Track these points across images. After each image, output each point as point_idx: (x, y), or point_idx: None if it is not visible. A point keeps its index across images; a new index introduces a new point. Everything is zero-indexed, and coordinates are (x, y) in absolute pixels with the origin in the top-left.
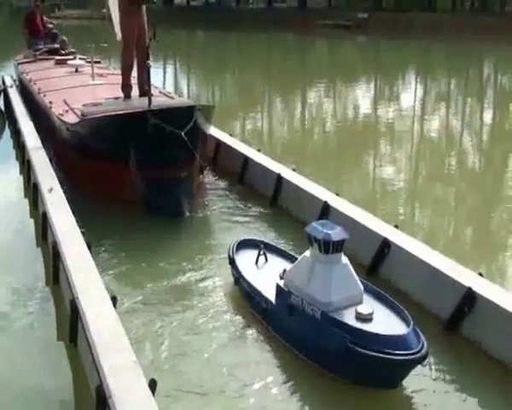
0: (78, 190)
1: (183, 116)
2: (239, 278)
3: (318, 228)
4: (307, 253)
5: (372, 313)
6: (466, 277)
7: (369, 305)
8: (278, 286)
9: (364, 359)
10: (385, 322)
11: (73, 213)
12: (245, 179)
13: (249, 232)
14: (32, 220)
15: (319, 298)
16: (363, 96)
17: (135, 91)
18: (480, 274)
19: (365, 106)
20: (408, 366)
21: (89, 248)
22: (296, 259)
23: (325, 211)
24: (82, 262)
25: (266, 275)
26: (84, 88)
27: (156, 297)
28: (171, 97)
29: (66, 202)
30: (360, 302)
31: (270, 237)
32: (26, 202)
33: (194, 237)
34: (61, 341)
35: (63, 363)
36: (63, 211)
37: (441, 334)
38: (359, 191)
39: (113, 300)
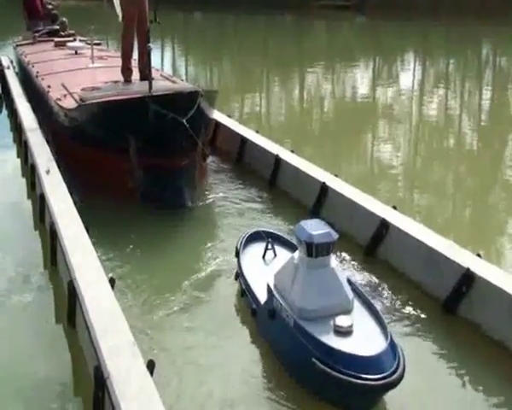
0: (77, 179)
1: (185, 102)
2: (238, 273)
3: (304, 228)
4: (296, 253)
5: (351, 326)
6: (464, 257)
7: (351, 317)
8: (268, 286)
9: (328, 378)
10: (363, 338)
11: (71, 194)
12: (243, 161)
13: (248, 217)
14: (29, 202)
15: (296, 304)
16: (361, 78)
17: (135, 75)
18: (479, 255)
19: (364, 87)
20: (376, 391)
21: (87, 231)
22: None
23: (323, 192)
24: (79, 244)
25: (270, 271)
26: (83, 71)
27: (155, 287)
28: (173, 81)
29: (63, 183)
30: (346, 311)
31: (268, 219)
32: (23, 183)
33: (196, 227)
34: (60, 322)
35: (61, 344)
36: (61, 192)
37: (439, 315)
38: (358, 173)
39: (111, 281)
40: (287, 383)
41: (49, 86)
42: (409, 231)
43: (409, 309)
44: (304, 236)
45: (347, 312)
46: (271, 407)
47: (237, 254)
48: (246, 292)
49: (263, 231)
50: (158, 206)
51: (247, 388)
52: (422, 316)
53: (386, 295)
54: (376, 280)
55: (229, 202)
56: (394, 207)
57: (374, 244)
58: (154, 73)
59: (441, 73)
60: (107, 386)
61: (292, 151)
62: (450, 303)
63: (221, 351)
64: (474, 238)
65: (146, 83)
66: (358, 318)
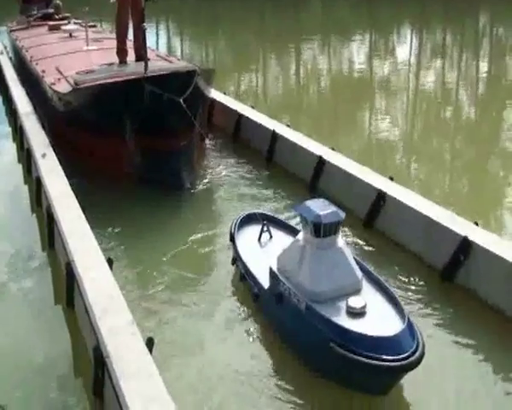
0: (74, 163)
1: (181, 82)
2: (236, 258)
3: (309, 208)
4: (300, 235)
5: (365, 307)
6: (462, 226)
7: (363, 297)
8: (271, 270)
9: (347, 362)
10: (378, 318)
11: (67, 177)
12: (240, 137)
13: (246, 197)
14: (26, 187)
15: (306, 287)
16: (358, 52)
17: (131, 56)
18: (476, 223)
19: (361, 61)
20: (397, 372)
21: (83, 213)
22: None
23: (320, 166)
24: (77, 226)
25: (267, 254)
26: (77, 54)
27: (153, 268)
28: (170, 61)
29: (59, 167)
30: (357, 291)
31: (267, 197)
32: (19, 168)
33: (194, 209)
34: (58, 304)
35: (61, 326)
36: (57, 176)
37: (437, 283)
38: (355, 146)
39: (109, 262)
40: (288, 360)
41: (43, 71)
42: (406, 202)
43: (407, 278)
44: (311, 216)
45: (357, 291)
46: (272, 383)
47: (232, 239)
48: (246, 277)
49: (256, 214)
50: (156, 188)
51: (245, 368)
52: (420, 284)
53: (384, 265)
54: (375, 251)
55: (227, 181)
56: (391, 179)
57: (372, 216)
58: (150, 54)
59: (438, 45)
60: (106, 365)
61: (288, 126)
62: (447, 271)
63: (219, 331)
64: (471, 208)
65: (141, 64)
66: (369, 297)
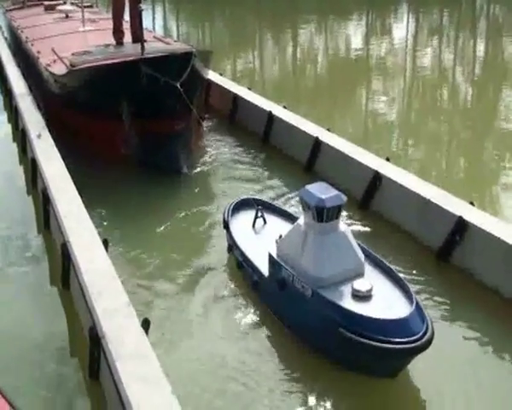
0: (70, 146)
1: (178, 64)
2: (232, 246)
3: (311, 192)
4: (301, 220)
5: (371, 290)
6: (457, 206)
7: (368, 279)
8: (270, 256)
9: (358, 346)
10: (385, 301)
11: (63, 157)
12: (236, 118)
13: (243, 180)
14: (21, 167)
15: (311, 273)
16: (355, 32)
17: (127, 37)
18: (472, 203)
19: (357, 42)
20: (408, 355)
21: (79, 194)
22: (296, 219)
23: (316, 147)
24: (72, 207)
25: (263, 240)
26: (73, 35)
27: (148, 251)
28: (167, 42)
29: (55, 147)
30: (360, 275)
31: (263, 180)
32: (14, 148)
33: (190, 192)
34: (54, 285)
35: (57, 307)
36: (52, 157)
37: (433, 264)
38: (352, 127)
39: (105, 243)
40: (288, 342)
41: (38, 52)
42: (402, 182)
43: (403, 258)
44: (313, 200)
45: (361, 275)
46: (272, 364)
47: (226, 226)
48: (243, 264)
49: (249, 199)
50: (153, 172)
51: (242, 354)
52: (416, 265)
53: (380, 246)
54: (371, 232)
55: (224, 163)
56: (387, 159)
57: (368, 197)
58: (147, 35)
59: (435, 25)
60: (102, 346)
61: (284, 107)
62: (443, 251)
63: (215, 313)
64: (467, 188)
65: (138, 45)
66: (374, 281)
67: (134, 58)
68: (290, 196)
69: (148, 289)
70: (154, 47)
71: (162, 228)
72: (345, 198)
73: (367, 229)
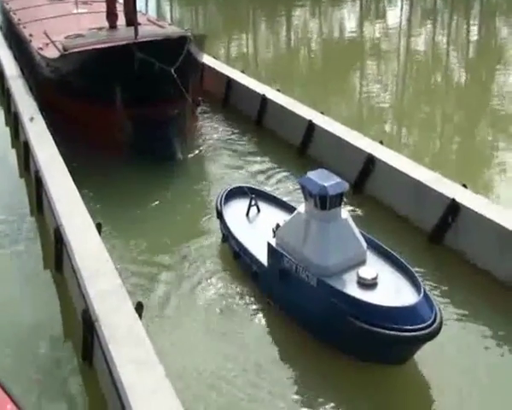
0: (62, 131)
1: (173, 49)
2: (228, 236)
3: (314, 180)
4: (301, 208)
5: (376, 278)
6: (450, 188)
7: (372, 267)
8: (270, 246)
9: (367, 334)
10: (390, 288)
11: (55, 141)
12: (229, 101)
13: (237, 166)
14: (13, 150)
15: (315, 262)
16: (349, 16)
17: (121, 20)
18: (464, 185)
19: (351, 25)
20: (420, 341)
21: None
22: (291, 208)
23: (310, 130)
24: (65, 191)
25: (258, 229)
26: (66, 18)
27: (142, 235)
28: (161, 26)
29: (47, 131)
30: (363, 262)
31: (256, 160)
32: (7, 132)
33: (185, 178)
34: (47, 268)
35: (50, 290)
36: (45, 140)
37: (425, 246)
38: (346, 111)
39: (98, 227)
40: (282, 324)
41: (30, 34)
42: (395, 165)
43: (396, 241)
44: (316, 188)
45: (363, 262)
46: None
47: (219, 216)
48: (241, 255)
49: (240, 187)
50: (147, 157)
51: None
52: (409, 247)
53: (373, 229)
54: (364, 215)
55: (217, 147)
56: (381, 143)
57: (361, 180)
58: (141, 18)
59: (429, 8)
60: (95, 329)
61: (278, 90)
62: (436, 234)
63: (206, 297)
64: (461, 171)
65: (132, 29)
66: (377, 267)
67: (127, 42)
68: (284, 180)
69: (142, 273)
70: (147, 31)
71: (156, 212)
72: (347, 185)
73: (360, 211)
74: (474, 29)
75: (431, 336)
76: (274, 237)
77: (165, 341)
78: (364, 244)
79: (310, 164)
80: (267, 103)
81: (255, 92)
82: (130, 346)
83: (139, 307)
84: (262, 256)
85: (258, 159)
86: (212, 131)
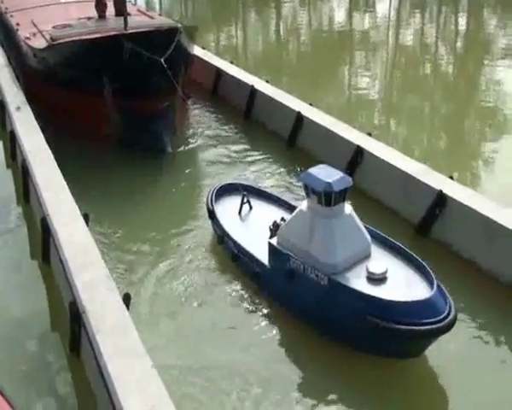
0: (50, 123)
1: (163, 40)
2: (223, 237)
3: (317, 177)
4: (303, 205)
5: (386, 272)
6: (437, 180)
7: (379, 260)
8: (272, 246)
9: (387, 332)
10: (401, 281)
11: (43, 131)
12: (218, 92)
13: (226, 159)
14: (0, 141)
15: (323, 260)
16: (338, 7)
17: (110, 10)
18: (451, 177)
19: (340, 17)
20: (438, 334)
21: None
22: (284, 202)
23: (299, 121)
24: (52, 181)
25: (254, 227)
26: (54, 7)
27: (130, 226)
28: (151, 17)
29: (34, 120)
30: (368, 256)
31: (244, 153)
32: None
33: (173, 167)
34: (34, 259)
35: (37, 281)
36: (32, 130)
37: (413, 237)
38: (334, 102)
39: (85, 217)
40: (277, 312)
41: (17, 23)
42: (383, 157)
43: (383, 233)
44: (321, 185)
45: (368, 256)
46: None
47: (212, 215)
48: (240, 256)
49: (229, 184)
50: (136, 149)
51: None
52: (397, 239)
53: (361, 221)
54: (352, 206)
55: (206, 140)
56: (369, 134)
57: (349, 172)
58: (130, 8)
59: (417, 0)
60: (82, 320)
61: (267, 81)
62: (423, 225)
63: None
64: (448, 163)
65: (121, 19)
66: (383, 261)
67: (116, 33)
68: (273, 173)
69: (130, 264)
70: (137, 21)
71: (144, 204)
72: (350, 180)
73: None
74: (463, 22)
75: (449, 327)
76: (271, 235)
77: (151, 331)
78: (369, 237)
79: (298, 155)
80: (256, 94)
81: (244, 83)
82: (118, 337)
83: (126, 299)
84: (262, 256)
85: (247, 151)
86: (201, 122)
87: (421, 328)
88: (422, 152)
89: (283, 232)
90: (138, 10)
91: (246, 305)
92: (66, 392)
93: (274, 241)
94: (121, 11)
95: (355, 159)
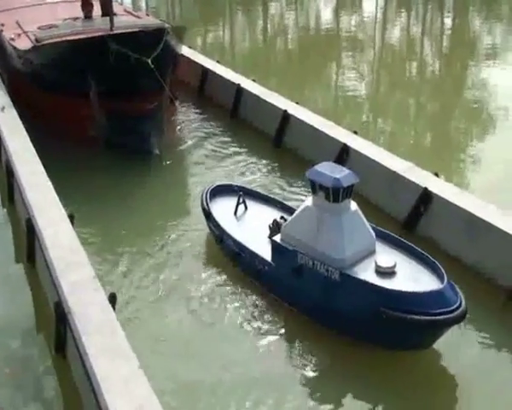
0: (36, 125)
1: (149, 40)
2: (222, 236)
3: (324, 173)
4: (308, 202)
5: (395, 266)
6: (422, 178)
7: (386, 256)
8: (276, 243)
9: (400, 323)
10: (409, 274)
11: (28, 132)
12: (205, 92)
13: (213, 160)
14: None
15: (332, 255)
16: (325, 6)
17: (97, 10)
18: (436, 174)
19: (327, 16)
20: (452, 324)
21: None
22: (276, 202)
23: (285, 120)
24: (37, 181)
25: (252, 227)
26: (40, 7)
27: (115, 226)
28: (138, 17)
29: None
30: (373, 252)
31: (232, 152)
32: None
33: (162, 173)
34: (19, 261)
35: (22, 283)
36: (16, 130)
37: (399, 234)
38: (321, 101)
39: (71, 218)
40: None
41: (2, 24)
42: (369, 155)
43: None
44: (329, 181)
45: (373, 251)
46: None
47: (208, 215)
48: (242, 254)
49: (222, 185)
50: (123, 152)
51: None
52: None
53: None
54: None
55: (193, 140)
56: (355, 132)
57: None
58: (117, 8)
59: None
60: (68, 321)
61: (253, 80)
62: (408, 222)
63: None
64: (434, 161)
65: (107, 19)
66: (389, 255)
67: (102, 33)
68: (260, 172)
69: (116, 265)
70: (124, 21)
71: (131, 205)
72: (356, 176)
73: None
74: (448, 21)
75: (461, 317)
76: (271, 233)
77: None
78: (373, 234)
79: (285, 154)
80: (242, 93)
81: (230, 82)
82: (104, 337)
83: (112, 299)
84: (265, 254)
85: (234, 150)
86: (188, 121)
87: (436, 318)
88: (408, 150)
89: (287, 230)
90: (125, 10)
91: (250, 304)
92: (51, 394)
93: (277, 238)
94: (107, 11)
95: (341, 157)
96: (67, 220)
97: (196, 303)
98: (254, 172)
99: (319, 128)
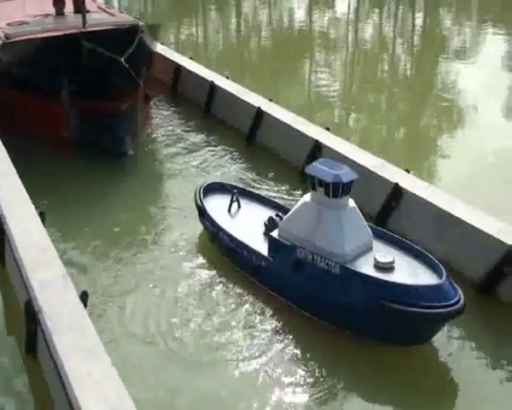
0: (6, 125)
1: (123, 38)
2: (217, 233)
3: (324, 169)
4: (307, 198)
5: (394, 262)
6: (393, 173)
7: (384, 251)
8: (274, 239)
9: (400, 316)
10: (407, 270)
11: None
12: (178, 89)
13: (185, 153)
14: None
15: (331, 250)
16: (298, 4)
17: (69, 7)
18: (407, 170)
19: (300, 14)
20: (452, 317)
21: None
22: (268, 201)
23: (259, 117)
24: (7, 180)
25: (244, 224)
26: (9, 3)
27: (87, 224)
28: (111, 14)
29: None
30: (371, 249)
31: (206, 150)
32: None
33: (133, 166)
34: None
35: None
36: None
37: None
38: (295, 98)
39: (41, 215)
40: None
41: None
42: (341, 151)
43: None
44: (329, 177)
45: (371, 248)
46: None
47: (202, 213)
48: (238, 251)
49: (217, 183)
50: (97, 153)
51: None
52: None
53: None
54: None
55: (167, 138)
56: (327, 129)
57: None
58: (90, 5)
59: None
60: (39, 320)
61: (227, 77)
62: (380, 217)
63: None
64: (406, 158)
65: (80, 16)
66: (387, 252)
67: (74, 31)
68: (233, 167)
69: (87, 263)
70: (96, 19)
71: (103, 204)
72: (356, 173)
73: None
74: (419, 20)
75: (461, 311)
76: (267, 230)
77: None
78: (370, 231)
79: (258, 150)
80: (216, 90)
81: (204, 79)
82: (75, 336)
83: (84, 297)
84: (263, 250)
85: (208, 148)
86: (161, 120)
87: (436, 311)
88: (380, 146)
89: (285, 226)
90: (98, 7)
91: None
92: (22, 395)
93: (274, 234)
94: (80, 8)
95: (313, 153)
96: (38, 219)
97: (184, 302)
98: (227, 169)
99: (292, 125)
